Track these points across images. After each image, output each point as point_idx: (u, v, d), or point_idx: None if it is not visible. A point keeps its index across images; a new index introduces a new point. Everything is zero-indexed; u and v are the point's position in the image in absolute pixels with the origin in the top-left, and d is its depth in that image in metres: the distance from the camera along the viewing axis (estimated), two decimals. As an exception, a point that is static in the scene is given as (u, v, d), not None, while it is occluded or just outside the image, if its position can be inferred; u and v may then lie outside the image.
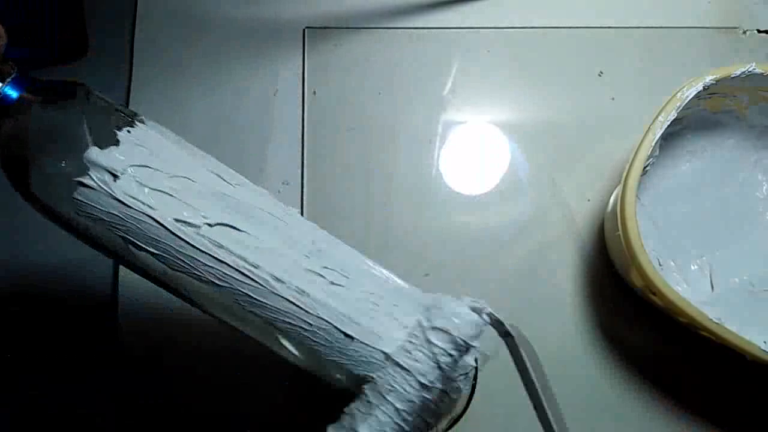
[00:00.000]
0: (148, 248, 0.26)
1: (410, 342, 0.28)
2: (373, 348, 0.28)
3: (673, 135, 0.42)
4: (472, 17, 0.50)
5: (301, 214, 0.42)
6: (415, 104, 0.48)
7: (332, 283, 0.28)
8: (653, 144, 0.38)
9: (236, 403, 0.42)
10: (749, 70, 0.39)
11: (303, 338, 0.28)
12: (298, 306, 0.27)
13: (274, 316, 0.27)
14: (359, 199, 0.46)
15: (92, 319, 0.44)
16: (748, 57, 0.50)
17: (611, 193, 0.47)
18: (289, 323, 0.28)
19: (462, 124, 0.48)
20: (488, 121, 0.48)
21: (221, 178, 0.29)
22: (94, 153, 0.26)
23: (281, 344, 0.29)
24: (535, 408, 0.28)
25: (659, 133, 0.38)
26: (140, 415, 0.42)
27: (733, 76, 0.39)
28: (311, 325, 0.28)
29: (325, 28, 0.50)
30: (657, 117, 0.39)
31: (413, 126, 0.48)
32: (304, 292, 0.27)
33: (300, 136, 0.47)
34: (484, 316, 0.28)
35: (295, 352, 0.29)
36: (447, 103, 0.48)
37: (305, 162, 0.46)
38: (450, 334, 0.27)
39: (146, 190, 0.26)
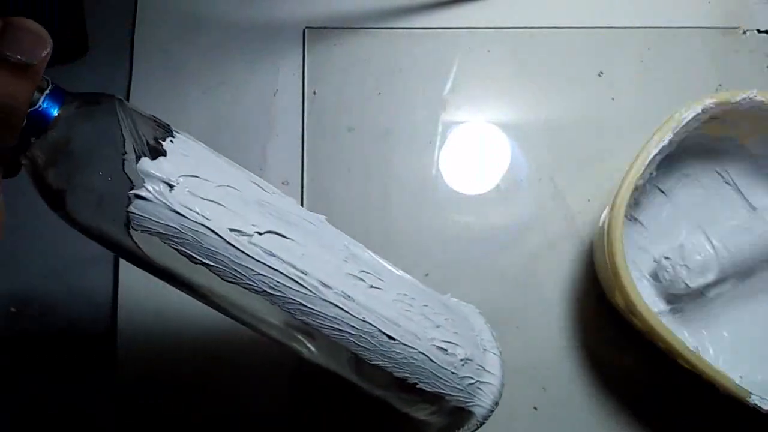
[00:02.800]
0: (204, 260, 0.26)
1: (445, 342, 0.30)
2: (413, 348, 0.29)
3: (672, 157, 0.41)
4: (472, 17, 0.50)
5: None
6: (415, 104, 0.48)
7: (371, 287, 0.29)
8: (646, 164, 0.38)
9: (236, 404, 0.42)
10: (750, 96, 0.39)
11: (349, 343, 0.28)
12: (345, 311, 0.27)
13: (322, 322, 0.27)
14: (359, 199, 0.46)
15: (92, 319, 0.44)
16: (748, 57, 0.50)
17: (611, 194, 0.47)
18: (336, 329, 0.28)
19: (462, 124, 0.48)
20: (488, 121, 0.48)
21: (258, 186, 0.29)
22: (146, 164, 0.24)
23: (323, 352, 0.30)
24: None
25: (653, 152, 0.38)
26: (140, 416, 0.42)
27: (733, 101, 0.39)
28: (357, 329, 0.28)
29: (325, 28, 0.50)
30: (653, 137, 0.39)
31: (413, 126, 0.48)
32: (349, 296, 0.28)
33: (300, 136, 0.47)
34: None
35: (333, 357, 0.30)
36: (447, 103, 0.48)
37: (305, 162, 0.46)
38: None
39: (199, 199, 0.25)
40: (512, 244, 0.45)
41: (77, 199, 0.25)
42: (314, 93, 0.48)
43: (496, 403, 0.33)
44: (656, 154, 0.38)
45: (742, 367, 0.41)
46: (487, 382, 0.32)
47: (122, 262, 0.44)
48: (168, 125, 0.27)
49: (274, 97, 0.48)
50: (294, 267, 0.27)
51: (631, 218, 0.44)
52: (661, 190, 0.45)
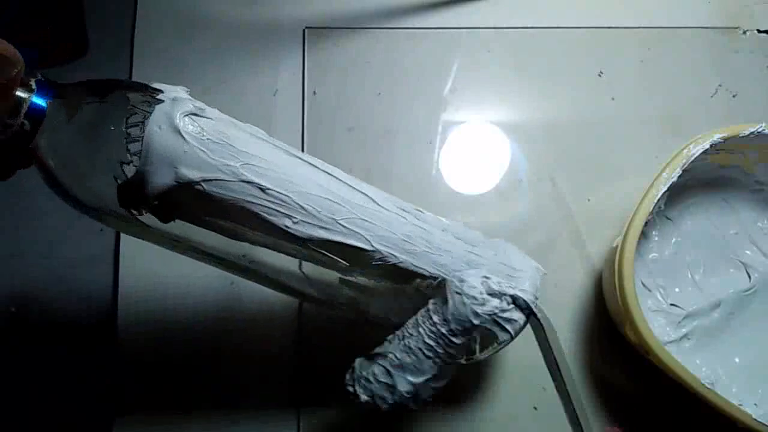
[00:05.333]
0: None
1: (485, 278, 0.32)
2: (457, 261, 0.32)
3: (678, 186, 0.41)
4: (472, 17, 0.50)
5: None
6: (415, 104, 0.48)
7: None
8: (656, 200, 0.38)
9: (236, 404, 0.42)
10: (758, 130, 0.39)
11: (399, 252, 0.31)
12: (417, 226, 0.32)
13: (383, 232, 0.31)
14: (359, 199, 0.46)
15: (92, 319, 0.44)
16: (748, 57, 0.50)
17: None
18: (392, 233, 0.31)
19: (462, 124, 0.48)
20: (488, 121, 0.48)
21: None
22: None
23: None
24: (558, 389, 0.30)
25: (663, 189, 0.38)
26: (140, 415, 0.42)
27: (741, 135, 0.39)
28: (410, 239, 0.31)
29: (325, 28, 0.50)
30: (662, 173, 0.38)
31: (413, 126, 0.48)
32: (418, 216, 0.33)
33: (300, 136, 0.47)
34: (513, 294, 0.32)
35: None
36: (447, 103, 0.48)
37: (305, 162, 0.46)
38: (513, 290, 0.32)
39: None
40: (512, 244, 0.45)
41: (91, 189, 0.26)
42: (314, 93, 0.48)
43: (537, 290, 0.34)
44: (665, 191, 0.38)
45: (755, 394, 0.41)
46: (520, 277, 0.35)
47: (122, 262, 0.44)
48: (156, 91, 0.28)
49: (274, 97, 0.48)
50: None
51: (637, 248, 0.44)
52: (668, 218, 0.45)
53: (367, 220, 0.30)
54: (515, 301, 0.32)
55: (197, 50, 0.49)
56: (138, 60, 0.48)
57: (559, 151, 0.47)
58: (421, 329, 0.32)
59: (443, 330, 0.31)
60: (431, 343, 0.31)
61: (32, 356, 0.43)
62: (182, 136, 0.26)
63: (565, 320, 0.44)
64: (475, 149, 0.48)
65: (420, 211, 0.33)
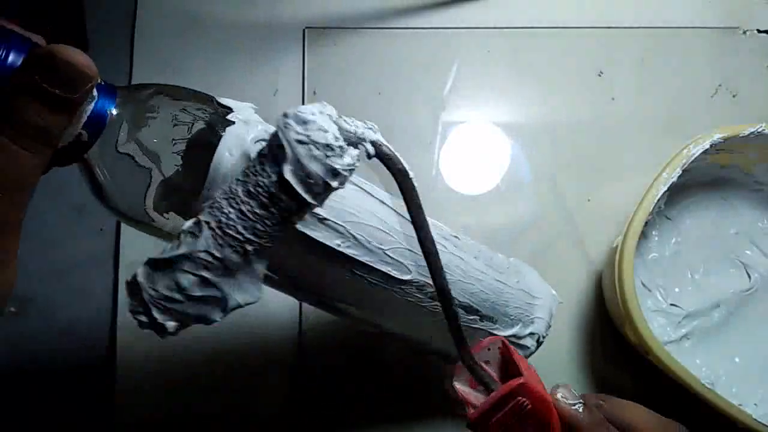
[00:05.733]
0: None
1: None
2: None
3: (678, 186, 0.41)
4: (472, 17, 0.50)
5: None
6: (415, 104, 0.48)
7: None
8: (656, 200, 0.38)
9: (236, 403, 0.42)
10: (758, 130, 0.39)
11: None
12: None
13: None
14: (359, 199, 0.46)
15: (92, 319, 0.44)
16: (748, 57, 0.50)
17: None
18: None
19: (462, 124, 0.48)
20: (488, 121, 0.48)
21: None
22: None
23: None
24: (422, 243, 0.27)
25: (663, 189, 0.38)
26: (140, 415, 0.42)
27: (741, 135, 0.39)
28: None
29: (325, 28, 0.50)
30: (662, 173, 0.39)
31: (413, 126, 0.48)
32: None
33: (300, 136, 0.47)
34: (368, 146, 0.25)
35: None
36: (447, 103, 0.48)
37: (305, 162, 0.46)
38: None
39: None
40: (512, 244, 0.45)
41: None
42: (314, 93, 0.48)
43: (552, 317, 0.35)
44: (665, 191, 0.38)
45: (755, 394, 0.41)
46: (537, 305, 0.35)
47: (122, 262, 0.44)
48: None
49: (274, 97, 0.48)
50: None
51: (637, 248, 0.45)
52: (668, 218, 0.45)
53: (411, 250, 0.29)
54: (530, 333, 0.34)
55: (197, 50, 0.49)
56: (138, 60, 0.48)
57: (559, 151, 0.47)
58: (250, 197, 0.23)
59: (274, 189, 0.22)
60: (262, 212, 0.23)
61: (32, 356, 0.43)
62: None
63: (565, 320, 0.44)
64: (475, 149, 0.48)
65: (457, 237, 0.33)
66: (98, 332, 0.43)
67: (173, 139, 0.24)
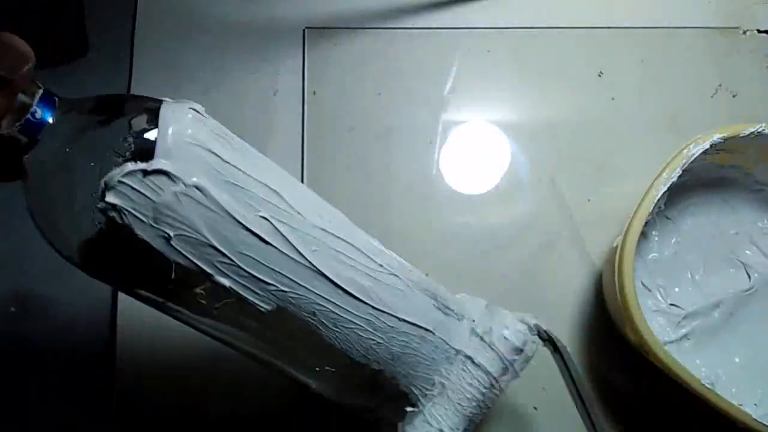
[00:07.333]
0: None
1: (479, 339, 0.32)
2: (449, 345, 0.31)
3: (678, 186, 0.41)
4: (472, 17, 0.50)
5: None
6: (415, 104, 0.48)
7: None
8: (656, 200, 0.38)
9: (236, 403, 0.42)
10: (758, 130, 0.39)
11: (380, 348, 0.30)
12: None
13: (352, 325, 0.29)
14: (359, 199, 0.46)
15: (92, 319, 0.44)
16: (748, 57, 0.50)
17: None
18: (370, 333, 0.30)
19: (462, 124, 0.48)
20: (488, 121, 0.48)
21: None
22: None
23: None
24: (584, 417, 0.32)
25: (663, 189, 0.38)
26: (140, 415, 0.42)
27: (741, 135, 0.39)
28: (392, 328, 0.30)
29: (325, 28, 0.50)
30: (662, 173, 0.39)
31: (413, 126, 0.48)
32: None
33: (300, 136, 0.47)
34: (532, 328, 0.33)
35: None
36: (447, 103, 0.48)
37: (305, 162, 0.46)
38: (508, 340, 0.32)
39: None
40: (512, 245, 0.45)
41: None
42: (314, 93, 0.48)
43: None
44: (665, 191, 0.38)
45: (755, 394, 0.41)
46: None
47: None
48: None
49: (274, 97, 0.48)
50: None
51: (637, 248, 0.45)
52: (668, 218, 0.45)
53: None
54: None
55: (197, 50, 0.49)
56: (138, 60, 0.48)
57: (560, 151, 0.47)
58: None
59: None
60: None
61: (32, 356, 0.43)
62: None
63: (565, 320, 0.44)
64: (476, 149, 0.48)
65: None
66: (98, 331, 0.43)
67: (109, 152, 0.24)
